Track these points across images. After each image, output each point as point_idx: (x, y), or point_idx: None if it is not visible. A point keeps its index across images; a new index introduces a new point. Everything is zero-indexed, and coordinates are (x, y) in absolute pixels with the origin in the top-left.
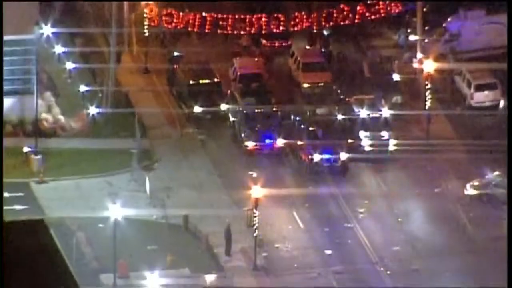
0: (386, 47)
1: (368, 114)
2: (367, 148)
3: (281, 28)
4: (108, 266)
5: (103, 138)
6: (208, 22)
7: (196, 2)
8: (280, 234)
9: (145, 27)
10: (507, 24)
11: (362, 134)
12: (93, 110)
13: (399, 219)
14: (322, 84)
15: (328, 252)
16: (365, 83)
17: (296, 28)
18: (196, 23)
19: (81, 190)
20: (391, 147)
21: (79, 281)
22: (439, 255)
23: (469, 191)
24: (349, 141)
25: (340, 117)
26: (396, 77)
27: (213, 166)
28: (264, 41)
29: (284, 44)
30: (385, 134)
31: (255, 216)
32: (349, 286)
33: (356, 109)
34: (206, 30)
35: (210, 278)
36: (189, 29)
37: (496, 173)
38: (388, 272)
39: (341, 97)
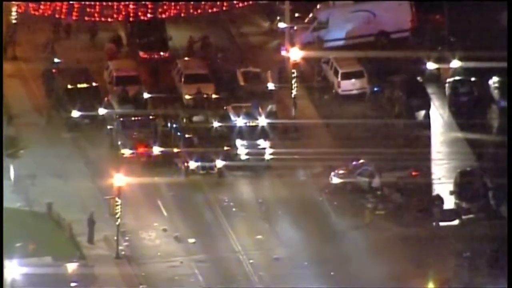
0: (256, 34)
1: (245, 123)
2: (243, 157)
3: (148, 15)
4: None
5: None
6: (75, 9)
7: None
8: (144, 223)
9: (13, 13)
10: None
11: (238, 142)
12: None
13: (262, 208)
14: (205, 95)
15: (191, 240)
16: (241, 92)
17: (164, 16)
18: (63, 10)
19: None
20: (267, 156)
21: None
22: (301, 244)
23: (334, 180)
24: (225, 148)
25: (216, 124)
26: (271, 86)
27: (80, 155)
28: (141, 53)
29: (162, 55)
30: (261, 142)
31: (118, 205)
32: (211, 274)
33: (233, 117)
34: (74, 18)
35: (72, 266)
36: (56, 15)
37: (361, 161)
38: (251, 261)
39: (219, 105)
